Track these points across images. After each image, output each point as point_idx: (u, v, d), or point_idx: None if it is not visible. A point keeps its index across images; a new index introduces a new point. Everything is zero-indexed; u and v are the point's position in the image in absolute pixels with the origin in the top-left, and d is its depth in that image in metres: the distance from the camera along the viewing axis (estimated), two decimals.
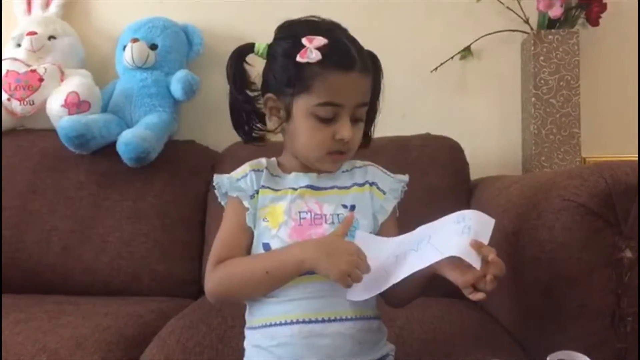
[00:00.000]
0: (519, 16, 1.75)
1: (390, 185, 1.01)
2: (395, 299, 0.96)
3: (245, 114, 1.00)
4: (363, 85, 0.95)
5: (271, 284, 0.90)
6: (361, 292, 0.87)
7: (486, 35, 1.79)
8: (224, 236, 0.97)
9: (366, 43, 1.00)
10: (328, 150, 0.94)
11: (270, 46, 0.98)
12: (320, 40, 0.91)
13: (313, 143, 0.94)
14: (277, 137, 1.02)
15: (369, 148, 1.04)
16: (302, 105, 0.93)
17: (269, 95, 0.97)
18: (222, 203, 1.01)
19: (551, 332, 1.05)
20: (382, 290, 0.87)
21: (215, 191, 1.00)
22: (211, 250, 0.96)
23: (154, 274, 1.58)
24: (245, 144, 1.03)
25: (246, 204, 0.96)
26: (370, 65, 0.96)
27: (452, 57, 1.82)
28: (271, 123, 0.99)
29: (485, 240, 0.83)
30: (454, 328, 1.17)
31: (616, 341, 0.98)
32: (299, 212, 0.95)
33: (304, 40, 0.91)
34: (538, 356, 1.08)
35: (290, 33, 0.95)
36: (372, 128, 1.04)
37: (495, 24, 1.79)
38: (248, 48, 0.99)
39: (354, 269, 0.83)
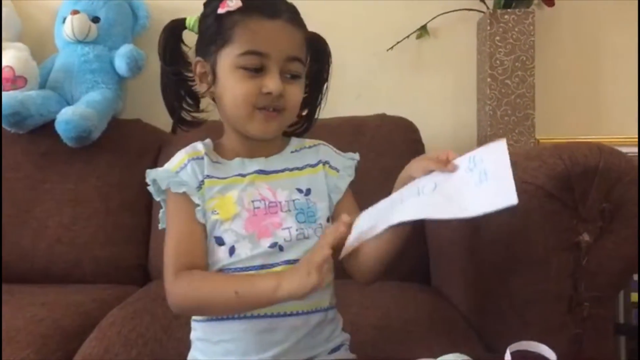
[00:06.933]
0: None
1: (343, 163, 0.96)
2: (366, 266, 0.87)
3: (177, 93, 0.93)
4: (292, 36, 0.88)
5: (241, 305, 0.81)
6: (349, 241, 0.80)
7: (443, 13, 1.76)
8: (176, 239, 0.87)
9: (322, 22, 0.97)
10: (255, 104, 0.87)
11: (199, 18, 0.92)
12: None
13: (238, 97, 0.87)
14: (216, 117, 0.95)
15: (322, 129, 1.00)
16: (225, 59, 0.87)
17: (197, 59, 0.91)
18: (158, 199, 0.92)
19: (507, 316, 1.04)
20: (370, 236, 0.78)
21: (149, 187, 0.91)
22: (165, 257, 0.87)
23: (97, 260, 1.52)
24: (175, 131, 0.96)
25: (195, 199, 0.88)
26: (301, 20, 0.90)
27: (408, 36, 1.79)
28: (200, 90, 0.92)
29: (507, 169, 0.72)
30: (409, 313, 1.16)
31: (573, 326, 0.97)
32: (252, 202, 0.88)
33: None
34: (493, 341, 1.07)
35: None
36: (317, 110, 0.99)
37: (452, 3, 1.77)
38: (180, 23, 0.93)
39: (317, 274, 0.73)
